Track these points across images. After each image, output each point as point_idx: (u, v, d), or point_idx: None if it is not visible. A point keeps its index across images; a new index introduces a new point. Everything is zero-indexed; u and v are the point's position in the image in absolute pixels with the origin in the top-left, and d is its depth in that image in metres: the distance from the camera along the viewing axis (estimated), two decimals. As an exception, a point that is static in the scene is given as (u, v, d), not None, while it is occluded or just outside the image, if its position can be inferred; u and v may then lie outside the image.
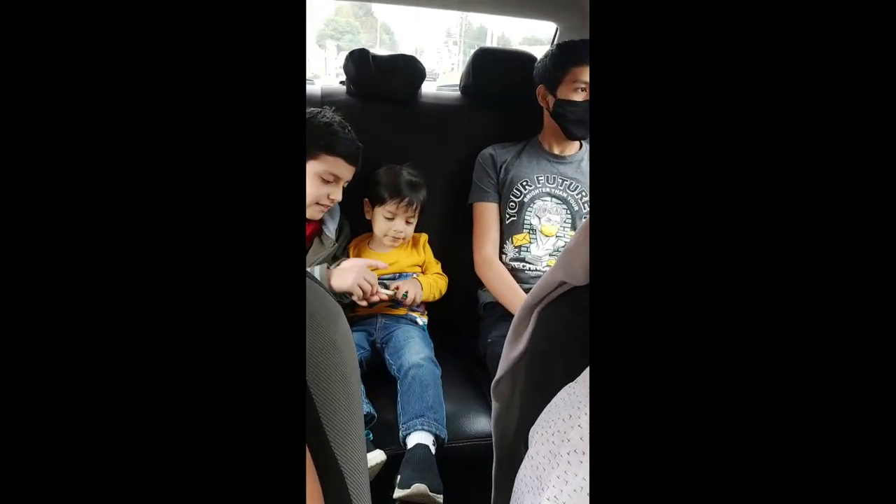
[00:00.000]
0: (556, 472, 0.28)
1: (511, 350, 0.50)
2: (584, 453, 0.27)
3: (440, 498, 0.81)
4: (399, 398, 0.95)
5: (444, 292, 1.18)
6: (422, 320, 1.17)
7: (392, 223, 1.15)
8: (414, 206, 1.15)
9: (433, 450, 0.88)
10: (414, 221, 1.19)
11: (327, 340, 0.34)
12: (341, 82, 1.36)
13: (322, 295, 0.35)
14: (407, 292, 1.09)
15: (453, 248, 1.25)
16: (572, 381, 0.33)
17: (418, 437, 0.88)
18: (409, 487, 0.79)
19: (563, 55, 1.16)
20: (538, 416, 0.34)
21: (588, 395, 0.28)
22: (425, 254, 1.22)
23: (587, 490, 0.26)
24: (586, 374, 0.30)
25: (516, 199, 1.20)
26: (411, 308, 1.16)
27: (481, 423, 0.96)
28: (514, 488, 0.33)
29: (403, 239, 1.18)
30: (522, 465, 0.33)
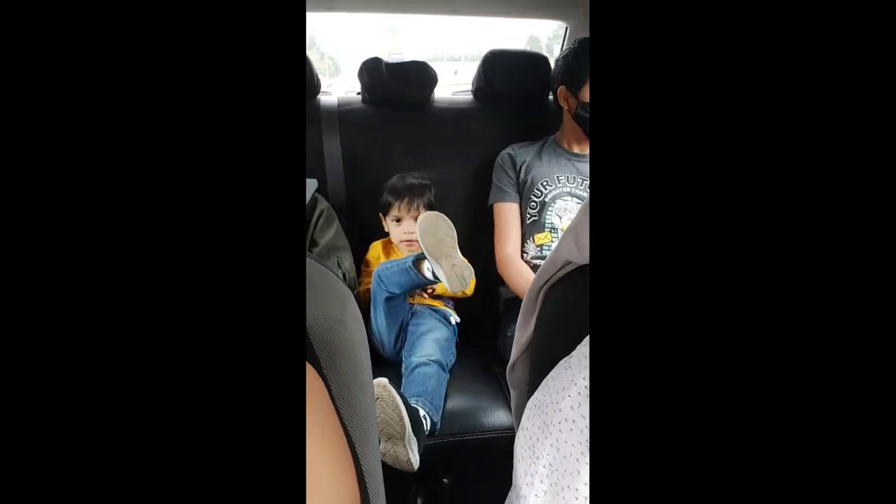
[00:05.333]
0: (549, 441, 0.28)
1: (522, 334, 0.51)
2: (573, 421, 0.27)
3: (407, 418, 0.84)
4: (402, 388, 0.96)
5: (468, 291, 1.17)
6: (454, 318, 1.16)
7: (401, 225, 1.17)
8: (416, 205, 1.16)
9: (427, 427, 0.90)
10: None
11: (337, 321, 0.35)
12: (357, 93, 1.40)
13: (329, 277, 0.37)
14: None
15: (470, 250, 1.26)
16: None
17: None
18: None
19: (586, 53, 1.09)
20: None
21: (581, 365, 0.29)
22: None
23: (576, 455, 0.27)
24: (580, 346, 0.31)
25: (537, 199, 1.20)
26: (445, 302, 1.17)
27: (498, 417, 0.97)
28: (514, 462, 0.33)
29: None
30: (517, 437, 0.33)
